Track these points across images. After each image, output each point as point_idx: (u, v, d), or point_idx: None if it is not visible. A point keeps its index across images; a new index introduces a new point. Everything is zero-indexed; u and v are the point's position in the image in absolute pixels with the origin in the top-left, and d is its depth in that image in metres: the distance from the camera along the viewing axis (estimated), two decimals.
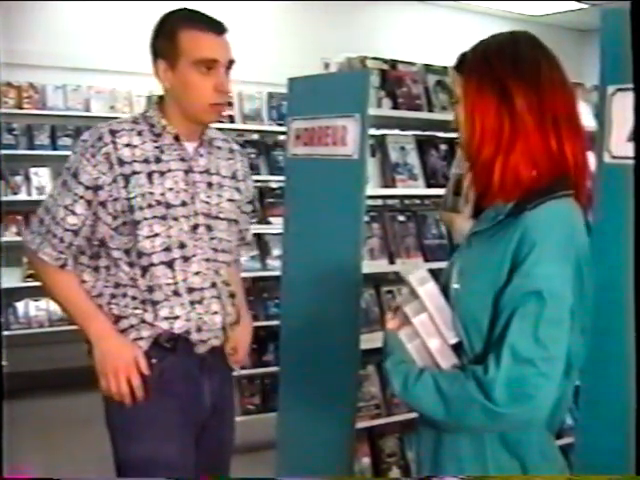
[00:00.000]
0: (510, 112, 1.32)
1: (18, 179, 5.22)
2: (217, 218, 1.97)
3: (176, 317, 1.89)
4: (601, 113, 1.89)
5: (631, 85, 1.57)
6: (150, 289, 1.89)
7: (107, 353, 1.87)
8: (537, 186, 1.32)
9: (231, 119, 5.23)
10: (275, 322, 3.63)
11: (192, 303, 1.91)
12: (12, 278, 5.09)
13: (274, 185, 4.93)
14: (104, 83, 5.50)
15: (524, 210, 1.30)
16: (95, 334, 1.89)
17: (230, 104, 5.24)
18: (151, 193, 1.88)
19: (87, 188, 1.86)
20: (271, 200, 4.76)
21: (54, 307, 5.28)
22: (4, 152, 4.98)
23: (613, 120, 1.85)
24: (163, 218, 1.88)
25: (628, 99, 1.67)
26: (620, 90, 1.83)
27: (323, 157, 2.99)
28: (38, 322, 5.22)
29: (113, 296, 1.92)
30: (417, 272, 1.38)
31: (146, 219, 1.87)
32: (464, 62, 1.41)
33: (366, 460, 3.16)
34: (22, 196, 5.21)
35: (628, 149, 1.74)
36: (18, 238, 5.15)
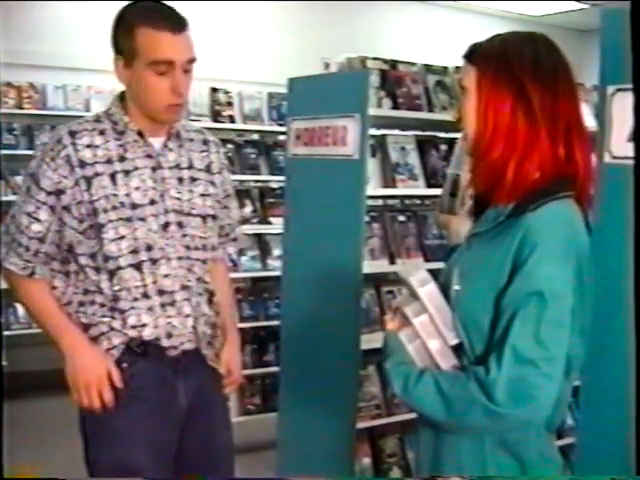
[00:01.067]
0: (527, 113, 1.31)
1: (18, 179, 5.22)
2: (189, 215, 1.91)
3: (144, 325, 1.85)
4: (601, 113, 1.89)
5: (631, 85, 1.57)
6: (116, 297, 1.84)
7: (79, 367, 1.84)
8: (538, 187, 1.32)
9: (231, 119, 5.23)
10: (275, 322, 3.63)
11: (163, 306, 1.87)
12: None
13: (274, 185, 4.93)
14: (104, 83, 5.48)
15: (525, 211, 1.29)
16: (67, 347, 1.86)
17: (230, 104, 5.24)
18: (115, 195, 1.82)
19: (49, 194, 1.82)
20: (271, 200, 4.76)
21: None
22: (4, 152, 4.98)
23: (613, 120, 1.85)
24: (129, 220, 1.83)
25: (628, 99, 1.67)
26: (620, 90, 1.83)
27: (323, 157, 2.99)
28: None
29: (81, 304, 1.88)
30: (418, 273, 1.38)
31: (111, 221, 1.82)
32: (477, 53, 1.38)
33: (367, 460, 3.16)
34: None
35: (628, 149, 1.74)
36: None
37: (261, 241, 4.50)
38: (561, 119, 1.32)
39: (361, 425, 3.01)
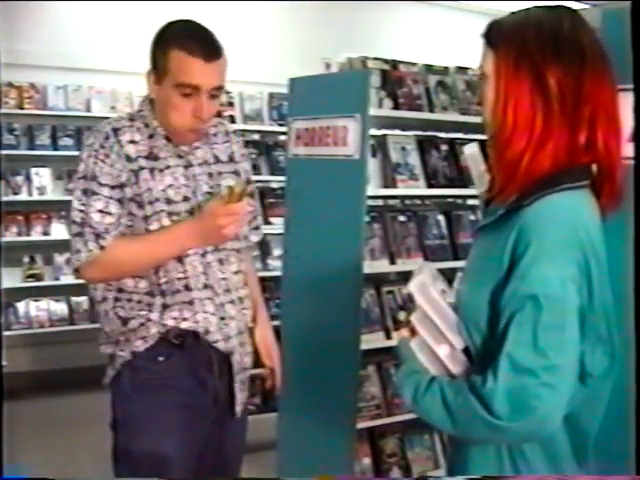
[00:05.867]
0: (544, 101, 1.21)
1: (19, 179, 5.22)
2: None
3: (184, 318, 1.89)
4: None
5: (631, 85, 1.57)
6: (162, 292, 1.89)
7: (203, 236, 1.85)
8: (543, 177, 1.22)
9: (232, 119, 5.23)
10: (276, 322, 3.62)
11: (202, 300, 1.91)
12: (12, 278, 5.09)
13: (275, 185, 4.93)
14: (105, 83, 5.50)
15: (522, 205, 1.21)
16: (181, 244, 1.86)
17: (231, 104, 5.24)
18: (156, 188, 1.88)
19: (112, 188, 1.86)
20: (272, 200, 4.76)
21: (54, 307, 5.29)
22: (5, 152, 4.97)
23: None
24: (168, 214, 1.89)
25: (629, 99, 1.67)
26: (621, 90, 1.83)
27: (324, 157, 2.99)
28: (39, 322, 5.22)
29: (117, 299, 1.92)
30: (417, 279, 1.33)
31: (156, 213, 1.87)
32: (495, 33, 1.27)
33: (367, 460, 3.16)
34: (23, 196, 5.21)
35: (628, 149, 1.74)
36: (18, 238, 5.16)
37: (261, 241, 4.48)
38: (586, 104, 1.22)
39: (361, 425, 3.01)
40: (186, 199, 1.91)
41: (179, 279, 1.89)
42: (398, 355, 1.38)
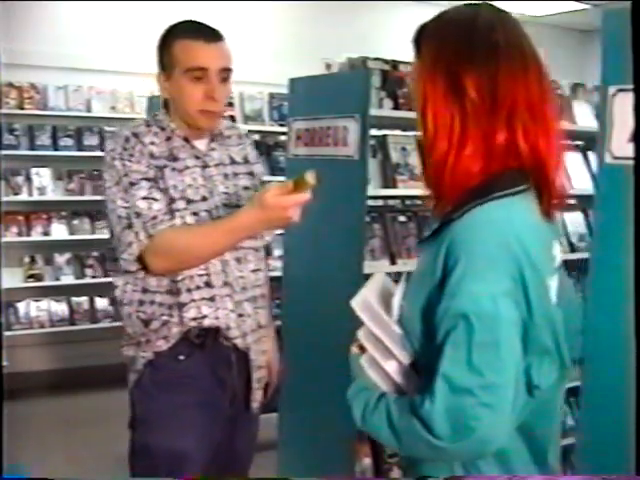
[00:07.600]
0: (460, 103, 1.19)
1: (19, 179, 5.23)
2: (237, 206, 1.97)
3: (204, 316, 1.91)
4: (602, 114, 1.90)
5: (632, 85, 1.57)
6: (178, 290, 1.89)
7: (269, 225, 1.81)
8: (475, 185, 1.19)
9: (232, 119, 5.22)
10: (276, 322, 3.62)
11: (222, 297, 1.93)
12: (12, 278, 5.09)
13: None
14: (105, 84, 5.50)
15: (452, 218, 1.17)
16: (244, 234, 1.83)
17: (231, 104, 5.24)
18: (177, 186, 1.91)
19: (147, 180, 1.86)
20: None
21: (55, 307, 5.29)
22: (5, 152, 4.98)
23: (614, 121, 1.85)
24: (192, 213, 1.91)
25: (629, 100, 1.67)
26: (621, 90, 1.83)
27: (324, 157, 2.99)
28: (39, 322, 5.22)
29: (141, 303, 1.93)
30: (359, 295, 1.31)
31: (178, 210, 1.89)
32: (419, 35, 1.27)
33: (367, 460, 3.15)
34: (23, 196, 5.21)
35: (629, 149, 1.74)
36: (18, 238, 5.16)
37: None
38: (503, 105, 1.18)
39: None
40: (204, 199, 1.94)
41: (200, 275, 1.91)
42: (351, 372, 1.35)
